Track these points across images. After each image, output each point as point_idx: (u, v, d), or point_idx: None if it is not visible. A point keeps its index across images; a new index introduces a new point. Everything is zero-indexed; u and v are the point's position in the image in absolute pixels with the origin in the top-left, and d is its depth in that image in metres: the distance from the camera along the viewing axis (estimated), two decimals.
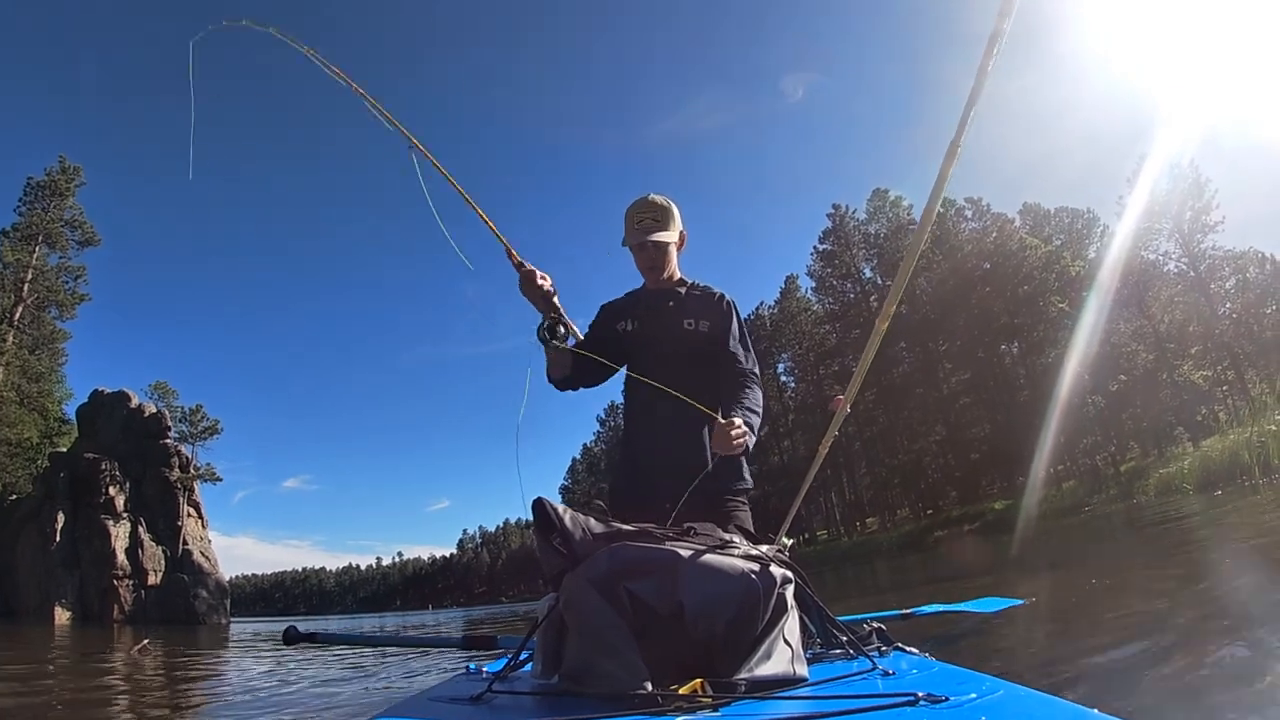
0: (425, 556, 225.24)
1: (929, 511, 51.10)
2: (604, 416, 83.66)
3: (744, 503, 2.58)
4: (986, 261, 45.95)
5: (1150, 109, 57.61)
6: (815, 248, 56.88)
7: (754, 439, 2.44)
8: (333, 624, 39.38)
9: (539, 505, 1.55)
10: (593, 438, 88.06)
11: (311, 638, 3.27)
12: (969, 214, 49.47)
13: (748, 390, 2.59)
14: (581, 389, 2.82)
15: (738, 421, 2.35)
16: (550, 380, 2.74)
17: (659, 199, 2.66)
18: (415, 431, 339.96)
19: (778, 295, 60.42)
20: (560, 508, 1.54)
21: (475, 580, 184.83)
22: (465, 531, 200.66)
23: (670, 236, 2.68)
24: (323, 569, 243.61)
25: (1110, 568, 8.52)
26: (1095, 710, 1.03)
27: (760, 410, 2.57)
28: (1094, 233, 47.81)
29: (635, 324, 2.72)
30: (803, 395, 57.35)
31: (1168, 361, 40.96)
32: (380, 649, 9.75)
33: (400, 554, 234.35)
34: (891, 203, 53.85)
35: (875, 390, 50.15)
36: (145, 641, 11.91)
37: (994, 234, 46.63)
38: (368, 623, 40.85)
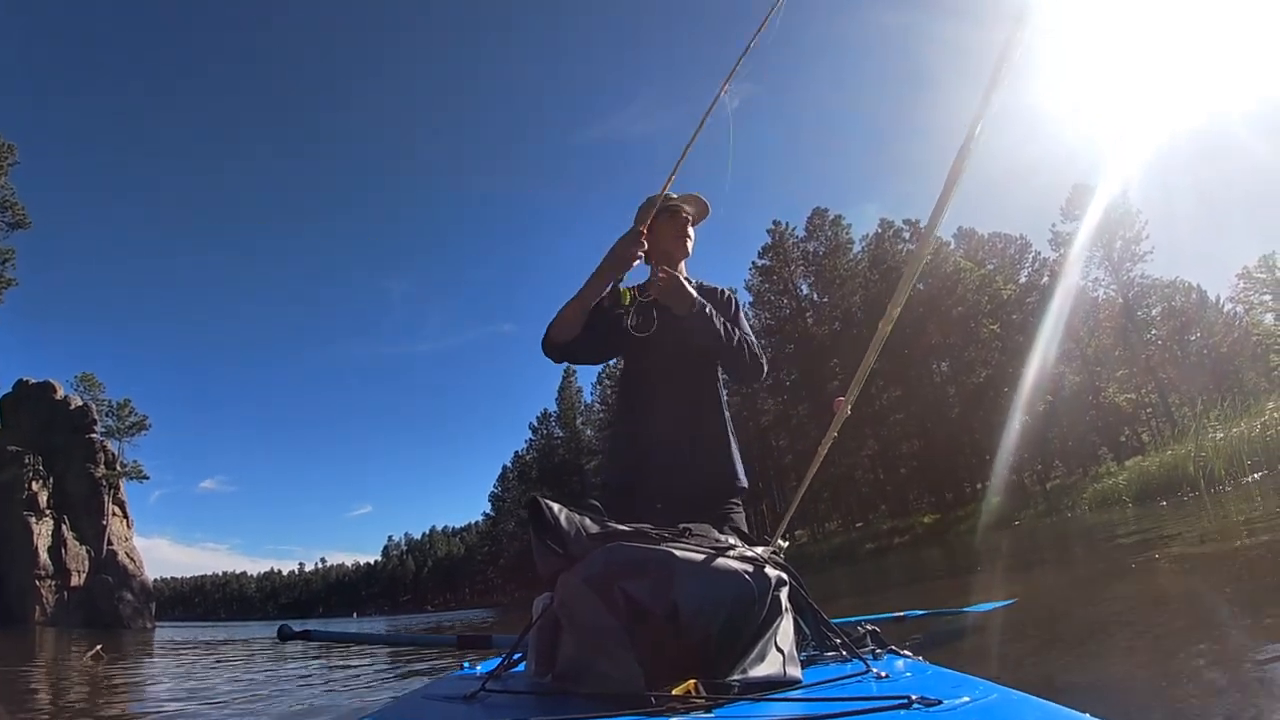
0: (349, 563, 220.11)
1: (859, 525, 52.05)
2: (536, 424, 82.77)
3: (738, 505, 2.53)
4: (921, 282, 46.85)
5: (1086, 141, 59.60)
6: (754, 263, 57.74)
7: (702, 315, 2.43)
8: (253, 628, 38.51)
9: (535, 504, 1.53)
10: (524, 445, 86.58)
11: (306, 635, 3.30)
12: (906, 235, 50.63)
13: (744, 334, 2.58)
14: (581, 363, 2.71)
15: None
16: (550, 341, 2.55)
17: None
18: (336, 434, 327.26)
19: None
20: (556, 507, 1.53)
21: (400, 588, 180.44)
22: (391, 538, 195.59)
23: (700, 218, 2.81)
24: (244, 573, 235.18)
25: (1077, 571, 8.78)
26: (1088, 714, 1.02)
27: (739, 337, 2.53)
28: (1026, 258, 49.39)
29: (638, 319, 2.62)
30: (736, 409, 57.53)
31: (1093, 384, 42.36)
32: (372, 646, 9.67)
33: (323, 560, 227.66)
34: (831, 222, 54.97)
35: (808, 404, 50.84)
36: (98, 647, 11.74)
37: (929, 256, 47.47)
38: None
